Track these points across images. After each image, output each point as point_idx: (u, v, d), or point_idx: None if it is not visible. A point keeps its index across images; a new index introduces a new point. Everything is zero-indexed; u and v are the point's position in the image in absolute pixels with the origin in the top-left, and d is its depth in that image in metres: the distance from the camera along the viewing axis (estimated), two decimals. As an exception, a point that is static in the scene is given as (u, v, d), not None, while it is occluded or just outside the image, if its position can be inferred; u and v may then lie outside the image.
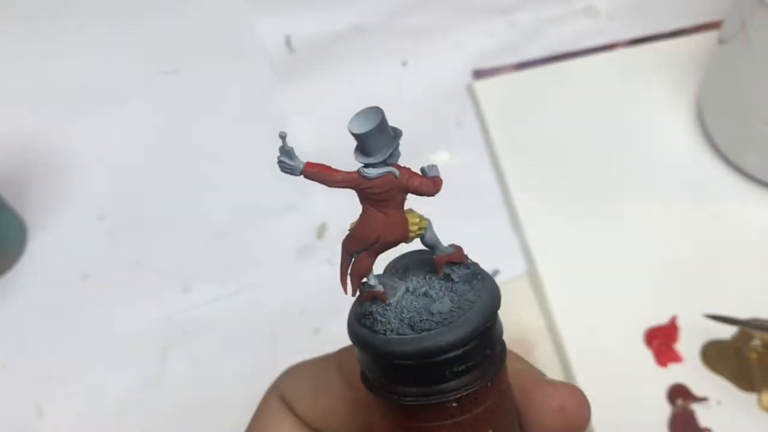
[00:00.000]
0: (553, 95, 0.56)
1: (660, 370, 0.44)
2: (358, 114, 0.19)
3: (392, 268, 0.22)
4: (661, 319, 0.45)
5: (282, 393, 0.26)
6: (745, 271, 0.47)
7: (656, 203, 0.50)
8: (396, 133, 0.19)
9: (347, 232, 0.20)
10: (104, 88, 0.58)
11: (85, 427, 0.45)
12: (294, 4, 0.62)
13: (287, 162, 0.20)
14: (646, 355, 0.44)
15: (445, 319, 0.19)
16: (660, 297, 0.46)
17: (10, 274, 0.50)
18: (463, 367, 0.19)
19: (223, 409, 0.45)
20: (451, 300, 0.20)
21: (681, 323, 0.45)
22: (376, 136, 0.19)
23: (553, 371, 0.44)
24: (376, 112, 0.19)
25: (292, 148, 0.19)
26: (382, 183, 0.19)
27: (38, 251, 0.51)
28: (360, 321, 0.20)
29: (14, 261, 0.50)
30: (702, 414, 0.42)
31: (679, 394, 0.43)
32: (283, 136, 0.19)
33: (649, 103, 0.55)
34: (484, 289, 0.20)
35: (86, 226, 0.52)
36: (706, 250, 0.48)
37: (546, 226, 0.49)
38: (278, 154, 0.20)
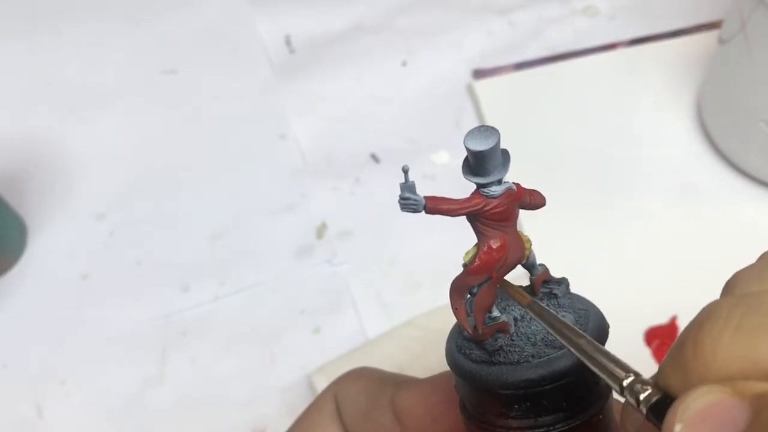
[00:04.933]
0: (553, 95, 0.56)
1: (660, 370, 0.44)
2: (474, 133, 0.18)
3: None
4: (661, 319, 0.45)
5: (337, 397, 0.26)
6: (745, 271, 0.47)
7: (656, 203, 0.50)
8: (505, 153, 0.18)
9: (460, 271, 0.19)
10: (104, 87, 0.58)
11: (85, 427, 0.45)
12: (294, 4, 0.62)
13: (412, 197, 0.18)
14: (646, 355, 0.44)
15: (578, 328, 0.19)
16: (660, 297, 0.46)
17: (10, 274, 0.50)
18: None
19: (223, 409, 0.45)
20: (568, 312, 0.20)
21: (681, 323, 0.45)
22: (496, 152, 0.18)
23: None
24: (492, 130, 0.18)
25: (414, 183, 0.18)
26: (505, 200, 0.19)
27: (38, 251, 0.51)
28: (491, 361, 0.19)
29: (14, 261, 0.50)
30: (702, 414, 0.42)
31: (679, 394, 0.43)
32: (406, 170, 0.17)
33: (649, 103, 0.55)
34: (580, 295, 0.20)
35: (86, 226, 0.52)
36: (706, 249, 0.48)
37: (546, 226, 0.49)
38: (400, 191, 0.17)
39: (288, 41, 0.60)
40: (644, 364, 0.44)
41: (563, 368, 0.18)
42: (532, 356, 0.19)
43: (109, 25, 0.61)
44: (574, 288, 0.22)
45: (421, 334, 0.44)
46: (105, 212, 0.52)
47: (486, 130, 0.18)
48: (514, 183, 0.19)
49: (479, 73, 0.58)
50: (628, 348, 0.45)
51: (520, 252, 0.19)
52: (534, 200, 0.20)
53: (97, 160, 0.55)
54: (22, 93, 0.59)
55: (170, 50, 0.60)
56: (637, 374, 0.15)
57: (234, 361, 0.46)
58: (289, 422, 0.44)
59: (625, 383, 0.15)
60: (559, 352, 0.19)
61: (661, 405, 0.14)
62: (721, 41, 0.49)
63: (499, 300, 0.21)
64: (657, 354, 0.44)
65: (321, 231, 0.51)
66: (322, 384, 0.43)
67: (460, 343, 0.20)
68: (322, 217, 0.51)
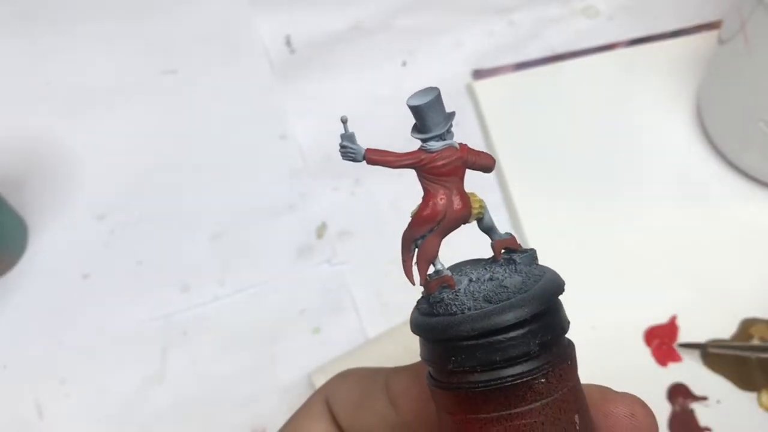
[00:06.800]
0: (552, 95, 0.56)
1: (660, 369, 0.44)
2: (416, 92, 0.19)
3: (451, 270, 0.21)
4: (661, 319, 0.45)
5: (328, 397, 0.26)
6: (745, 271, 0.47)
7: (656, 203, 0.50)
8: (450, 113, 0.20)
9: (409, 221, 0.20)
10: (104, 87, 0.58)
11: (85, 427, 0.45)
12: (294, 4, 0.62)
13: (350, 146, 0.19)
14: (646, 355, 0.44)
15: (521, 289, 0.19)
16: (660, 297, 0.46)
17: (11, 274, 0.50)
18: (548, 337, 0.18)
19: (223, 409, 0.45)
20: (519, 275, 0.20)
21: (680, 322, 0.45)
22: (435, 109, 0.19)
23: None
24: (433, 89, 0.19)
25: (353, 133, 0.19)
26: (446, 155, 0.20)
27: (39, 251, 0.51)
28: (431, 312, 0.20)
29: (15, 261, 0.50)
30: (702, 413, 0.42)
31: (678, 393, 0.43)
32: (344, 120, 0.19)
33: (649, 103, 0.55)
34: (546, 268, 0.20)
35: (86, 226, 0.52)
36: (705, 249, 0.48)
37: (545, 226, 0.50)
38: (340, 140, 0.19)
39: (288, 41, 0.60)
40: (644, 363, 0.44)
41: (489, 324, 0.18)
42: (468, 309, 0.19)
43: (109, 25, 0.61)
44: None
45: (421, 334, 0.44)
46: (105, 212, 0.52)
47: (427, 89, 0.19)
48: (459, 142, 0.20)
49: (479, 73, 0.58)
50: (628, 347, 0.45)
51: (465, 210, 0.20)
52: (480, 160, 0.21)
53: (98, 160, 0.55)
54: (22, 93, 0.59)
55: (170, 50, 0.60)
56: None
57: (234, 361, 0.46)
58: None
59: None
60: (494, 306, 0.19)
61: None
62: (721, 41, 0.49)
63: (467, 265, 0.21)
64: (657, 353, 0.44)
65: (321, 231, 0.51)
66: (322, 384, 0.43)
67: (419, 301, 0.21)
68: (322, 217, 0.51)
